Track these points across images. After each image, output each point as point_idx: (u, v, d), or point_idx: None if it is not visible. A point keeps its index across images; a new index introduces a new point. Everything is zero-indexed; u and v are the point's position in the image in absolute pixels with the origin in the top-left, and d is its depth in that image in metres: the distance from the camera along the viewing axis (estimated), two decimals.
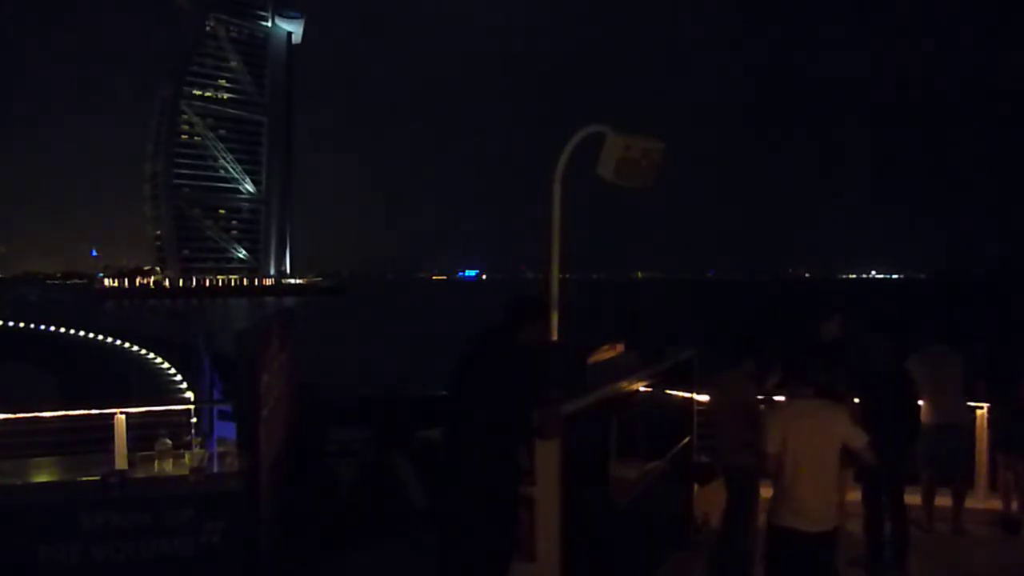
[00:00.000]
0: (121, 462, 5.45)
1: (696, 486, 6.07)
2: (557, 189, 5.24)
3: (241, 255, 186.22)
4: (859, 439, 4.11)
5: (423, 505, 5.47)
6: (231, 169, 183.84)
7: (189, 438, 5.89)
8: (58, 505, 4.79)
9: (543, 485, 3.74)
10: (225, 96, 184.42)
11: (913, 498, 6.21)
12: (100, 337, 43.68)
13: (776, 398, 5.00)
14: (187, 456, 5.50)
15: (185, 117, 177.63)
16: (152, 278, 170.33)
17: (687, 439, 6.02)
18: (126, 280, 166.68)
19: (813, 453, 4.04)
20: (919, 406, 5.79)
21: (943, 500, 6.36)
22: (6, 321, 54.39)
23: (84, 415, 6.00)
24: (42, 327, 50.19)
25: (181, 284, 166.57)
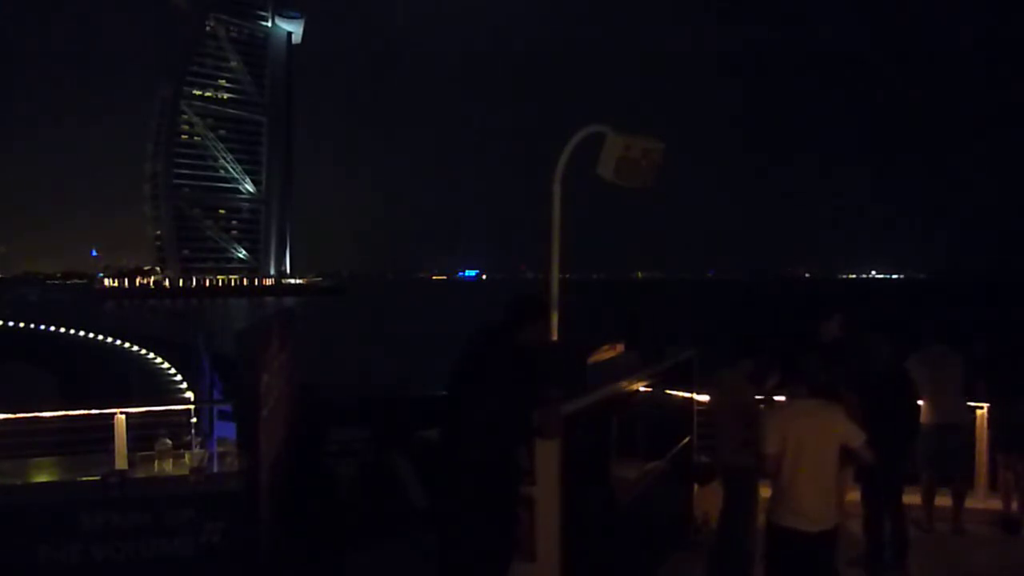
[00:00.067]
0: (121, 462, 5.46)
1: (696, 486, 6.07)
2: (557, 189, 5.24)
3: (241, 255, 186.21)
4: (857, 438, 4.11)
5: (423, 505, 5.46)
6: (231, 169, 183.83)
7: (189, 438, 5.90)
8: (58, 505, 4.79)
9: (543, 485, 3.74)
10: (225, 96, 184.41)
11: (913, 498, 6.21)
12: (100, 337, 43.66)
13: (776, 398, 5.00)
14: (187, 456, 5.51)
15: (185, 117, 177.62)
16: (152, 278, 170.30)
17: (687, 439, 6.02)
18: (126, 280, 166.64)
19: (812, 453, 4.04)
20: (919, 406, 5.79)
21: (943, 500, 6.36)
22: (6, 321, 54.37)
23: (84, 415, 6.00)
24: (42, 327, 50.17)
25: (181, 284, 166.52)
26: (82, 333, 45.43)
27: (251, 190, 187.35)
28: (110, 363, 35.37)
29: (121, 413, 5.69)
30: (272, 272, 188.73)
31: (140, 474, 5.29)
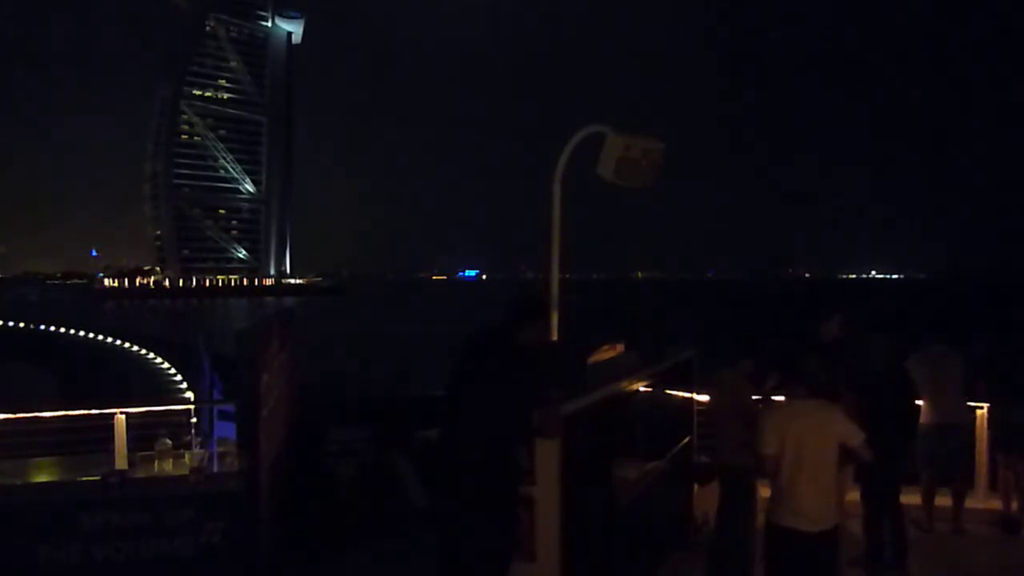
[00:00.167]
0: (121, 462, 5.45)
1: (696, 486, 6.07)
2: (557, 189, 5.24)
3: (241, 255, 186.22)
4: (856, 437, 4.10)
5: (423, 505, 5.46)
6: (231, 169, 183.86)
7: (189, 438, 5.89)
8: (58, 505, 4.79)
9: (543, 485, 3.74)
10: (225, 96, 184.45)
11: (913, 498, 6.21)
12: (100, 337, 43.71)
13: (775, 398, 5.00)
14: (187, 456, 5.50)
15: (185, 117, 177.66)
16: (152, 278, 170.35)
17: (687, 439, 6.02)
18: (126, 280, 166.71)
19: (811, 453, 4.04)
20: (918, 406, 5.79)
21: (943, 500, 6.36)
22: (6, 321, 54.42)
23: (84, 415, 6.00)
24: (42, 327, 50.21)
25: (181, 284, 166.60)
26: (82, 333, 45.49)
27: (251, 190, 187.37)
28: (110, 363, 35.41)
29: (121, 413, 5.68)
30: (272, 272, 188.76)
31: (140, 474, 5.28)
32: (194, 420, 6.30)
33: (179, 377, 28.42)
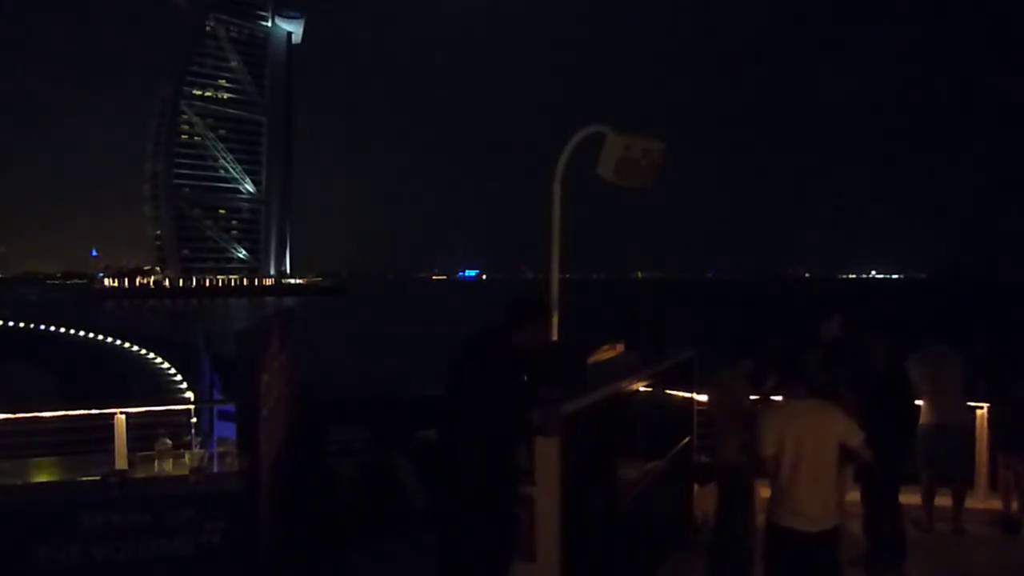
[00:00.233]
0: (121, 462, 5.45)
1: (696, 486, 6.07)
2: (557, 189, 5.24)
3: (241, 255, 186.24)
4: (856, 437, 4.10)
5: (423, 505, 5.47)
6: (231, 169, 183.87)
7: (189, 438, 5.89)
8: (58, 505, 4.78)
9: (543, 485, 3.74)
10: (225, 96, 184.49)
11: (913, 498, 6.21)
12: (100, 337, 43.72)
13: (774, 398, 5.00)
14: (187, 456, 5.50)
15: (185, 117, 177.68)
16: (152, 278, 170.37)
17: (687, 439, 6.02)
18: (126, 280, 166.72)
19: (811, 453, 4.04)
20: (917, 406, 5.79)
21: (943, 500, 6.36)
22: (6, 321, 54.41)
23: (84, 415, 6.01)
24: (42, 327, 50.21)
25: (181, 284, 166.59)
26: (82, 333, 45.49)
27: (251, 190, 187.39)
28: (110, 363, 35.42)
29: (121, 413, 5.69)
30: (272, 272, 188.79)
31: (140, 474, 5.28)
32: (194, 420, 6.31)
33: (179, 377, 28.44)
